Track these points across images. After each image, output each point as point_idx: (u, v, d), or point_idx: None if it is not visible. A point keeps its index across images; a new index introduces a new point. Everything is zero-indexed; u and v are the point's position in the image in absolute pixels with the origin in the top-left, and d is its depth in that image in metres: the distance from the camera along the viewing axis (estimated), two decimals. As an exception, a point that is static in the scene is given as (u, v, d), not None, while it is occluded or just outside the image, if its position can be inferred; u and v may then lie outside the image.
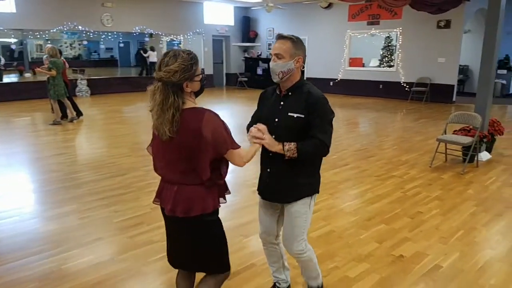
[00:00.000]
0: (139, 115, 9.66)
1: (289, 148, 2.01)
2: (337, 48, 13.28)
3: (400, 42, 12.08)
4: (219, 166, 1.88)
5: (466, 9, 10.76)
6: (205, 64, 15.47)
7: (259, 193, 2.32)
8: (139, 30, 13.62)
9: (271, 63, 2.11)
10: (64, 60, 8.54)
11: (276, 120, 2.11)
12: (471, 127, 5.49)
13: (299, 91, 2.13)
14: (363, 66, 13.39)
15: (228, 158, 1.88)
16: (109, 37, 13.57)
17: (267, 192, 2.26)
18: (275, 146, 2.03)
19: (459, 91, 12.48)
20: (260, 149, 2.11)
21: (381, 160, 5.72)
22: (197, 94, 1.90)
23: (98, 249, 3.20)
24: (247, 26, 16.37)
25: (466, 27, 11.78)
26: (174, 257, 2.05)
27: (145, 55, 14.96)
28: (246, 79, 15.95)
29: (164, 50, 15.24)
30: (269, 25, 15.76)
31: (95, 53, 17.72)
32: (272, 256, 2.49)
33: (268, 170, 2.20)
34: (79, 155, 6.21)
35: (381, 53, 12.93)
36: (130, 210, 3.97)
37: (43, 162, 5.63)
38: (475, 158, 5.40)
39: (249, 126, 2.18)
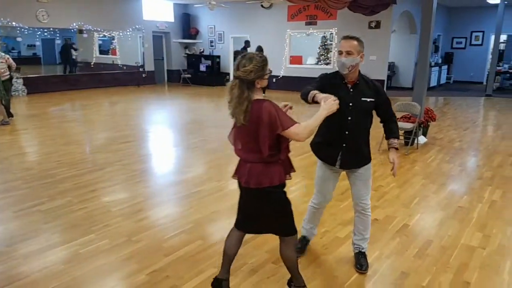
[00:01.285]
0: (88, 113, 9.54)
1: (396, 143, 2.77)
2: (278, 47, 14.01)
3: (336, 41, 13.10)
4: (279, 145, 2.29)
5: (393, 11, 12.00)
6: (146, 60, 15.42)
7: (330, 163, 2.81)
8: (76, 27, 13.24)
9: (342, 59, 2.56)
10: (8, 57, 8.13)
11: (350, 104, 2.61)
12: (410, 115, 6.41)
13: (363, 80, 2.69)
14: (303, 63, 14.27)
15: (286, 136, 2.26)
16: (32, 33, 12.67)
17: (345, 162, 2.77)
18: (392, 154, 2.75)
19: (387, 86, 13.82)
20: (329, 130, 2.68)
21: (337, 146, 6.45)
22: (264, 89, 2.32)
23: (110, 234, 3.45)
24: (187, 23, 16.52)
25: (393, 28, 13.09)
26: (245, 222, 2.49)
27: (75, 53, 14.09)
28: (189, 75, 16.13)
29: (96, 47, 15.28)
30: (210, 23, 16.07)
31: (14, 51, 16.30)
32: (317, 218, 3.12)
33: (344, 145, 2.71)
34: (47, 153, 6.15)
35: (318, 51, 13.89)
36: (125, 200, 4.21)
37: (11, 161, 5.55)
38: (416, 141, 6.32)
39: (309, 91, 2.55)
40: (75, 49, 14.14)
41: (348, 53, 2.57)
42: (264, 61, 2.22)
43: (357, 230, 2.97)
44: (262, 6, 13.81)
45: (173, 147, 6.48)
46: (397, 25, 13.57)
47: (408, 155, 5.93)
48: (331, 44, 13.43)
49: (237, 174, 2.43)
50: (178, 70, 16.39)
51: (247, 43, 12.87)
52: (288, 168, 2.44)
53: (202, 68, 16.13)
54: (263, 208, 2.38)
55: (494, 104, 11.29)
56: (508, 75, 14.35)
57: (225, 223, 3.69)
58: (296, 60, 14.15)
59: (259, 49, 12.25)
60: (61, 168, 5.19)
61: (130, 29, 14.69)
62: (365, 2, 10.11)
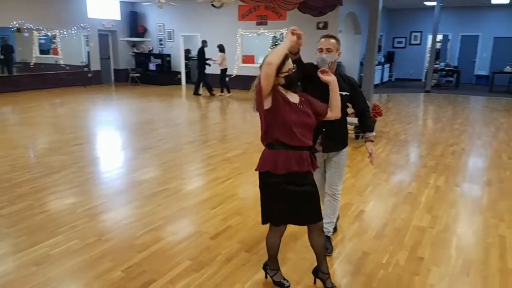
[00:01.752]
0: (34, 115, 9.12)
1: (372, 135, 3.02)
2: (231, 46, 14.10)
3: (286, 41, 13.43)
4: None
5: (340, 13, 12.53)
6: (91, 60, 14.94)
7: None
8: (17, 25, 12.57)
9: (323, 55, 2.78)
10: None
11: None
12: (360, 110, 6.81)
13: (340, 76, 2.91)
14: (255, 63, 14.50)
15: (262, 79, 2.28)
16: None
17: (326, 145, 2.95)
18: (369, 145, 2.98)
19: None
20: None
21: (294, 142, 6.71)
22: (285, 86, 2.40)
23: (79, 234, 3.43)
24: (134, 21, 16.18)
25: (339, 28, 13.66)
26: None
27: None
28: (138, 75, 15.82)
29: (37, 47, 14.54)
30: (159, 21, 15.86)
31: None
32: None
33: (324, 130, 2.88)
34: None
35: (269, 51, 14.16)
36: (88, 201, 4.17)
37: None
38: (365, 135, 6.73)
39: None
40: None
41: (328, 50, 2.81)
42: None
43: (326, 213, 3.16)
44: (213, 5, 13.85)
45: (129, 148, 6.42)
46: (343, 26, 14.17)
47: (359, 148, 6.31)
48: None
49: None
50: (126, 69, 16.02)
51: (204, 43, 12.84)
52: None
53: (152, 67, 15.87)
54: None
55: (432, 100, 12.17)
56: (444, 72, 15.48)
57: (194, 219, 3.79)
58: (248, 59, 14.35)
59: (221, 48, 12.32)
60: (15, 172, 5.00)
61: (75, 27, 14.16)
62: (314, 3, 10.50)
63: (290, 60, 2.41)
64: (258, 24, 13.77)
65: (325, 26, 12.63)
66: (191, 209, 4.00)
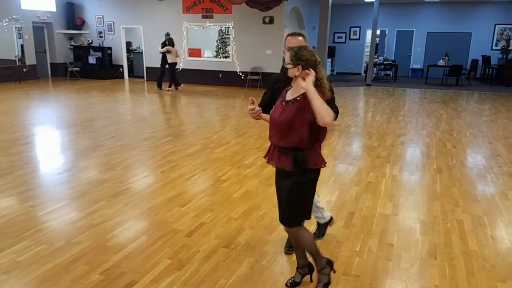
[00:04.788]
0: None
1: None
2: (176, 39, 13.79)
3: (233, 36, 13.44)
4: None
5: (285, 8, 12.75)
6: (26, 54, 13.93)
7: None
8: None
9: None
10: None
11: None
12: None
13: None
14: (202, 56, 14.34)
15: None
16: None
17: None
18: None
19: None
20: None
21: (253, 136, 6.77)
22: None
23: (46, 238, 3.24)
24: (71, 13, 15.31)
25: (284, 23, 13.90)
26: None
27: None
28: (77, 69, 15.02)
29: None
30: (98, 13, 15.13)
31: None
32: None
33: None
34: None
35: (216, 44, 14.10)
36: (50, 203, 3.94)
37: None
38: (320, 128, 6.96)
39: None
40: None
41: None
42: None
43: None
44: (157, -3, 13.49)
45: (83, 146, 6.09)
46: (287, 21, 14.43)
47: (317, 141, 6.52)
48: (229, 37, 13.74)
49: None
50: (64, 63, 15.13)
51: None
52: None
53: (92, 60, 15.14)
54: None
55: (374, 93, 12.81)
56: (382, 66, 16.33)
57: (165, 217, 3.72)
58: (195, 53, 14.16)
59: (170, 40, 12.04)
60: (-43, 175, 4.59)
61: (6, 19, 13.10)
62: (262, -3, 10.60)
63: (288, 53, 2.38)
64: (204, 17, 13.62)
65: (271, 21, 12.80)
66: (161, 207, 3.92)
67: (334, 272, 2.70)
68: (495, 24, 15.66)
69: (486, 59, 15.43)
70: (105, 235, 3.33)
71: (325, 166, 2.53)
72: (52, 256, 2.98)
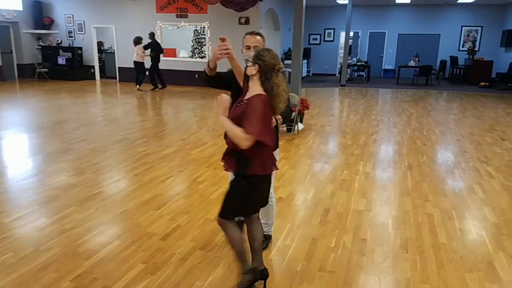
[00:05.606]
0: None
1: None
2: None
3: (209, 36, 13.34)
4: None
5: (260, 9, 12.76)
6: (-9, 54, 13.44)
7: None
8: None
9: (251, 53, 2.53)
10: None
11: None
12: (290, 104, 7.04)
13: None
14: (177, 56, 14.18)
15: None
16: None
17: None
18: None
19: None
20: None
21: (227, 136, 6.73)
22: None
23: (12, 246, 3.11)
24: (39, 12, 14.84)
25: (260, 24, 13.91)
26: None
27: None
28: (46, 70, 14.57)
29: None
30: (67, 11, 14.74)
31: None
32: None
33: None
34: None
35: (192, 44, 13.97)
36: (16, 209, 3.79)
37: None
38: (296, 128, 7.00)
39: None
40: None
41: (256, 48, 2.72)
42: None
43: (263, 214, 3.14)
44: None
45: (51, 150, 5.89)
46: (263, 22, 14.46)
47: (292, 140, 6.54)
48: (204, 37, 13.64)
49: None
50: (32, 64, 14.66)
51: (152, 35, 12.16)
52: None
53: (61, 61, 14.72)
54: None
55: (348, 93, 12.98)
56: (356, 67, 16.58)
57: (139, 221, 3.65)
58: (169, 53, 13.97)
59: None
60: None
61: (-31, 18, 12.60)
62: (236, -2, 10.56)
63: (247, 51, 2.39)
64: (178, 16, 13.48)
65: (247, 22, 12.79)
66: (134, 211, 3.84)
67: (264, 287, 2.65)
68: (462, 26, 16.16)
69: (454, 59, 15.90)
70: (75, 241, 3.23)
71: (265, 173, 2.41)
72: (19, 264, 2.87)
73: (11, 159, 5.47)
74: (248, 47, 2.75)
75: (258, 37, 2.80)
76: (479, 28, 15.94)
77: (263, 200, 2.59)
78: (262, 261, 2.67)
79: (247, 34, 2.83)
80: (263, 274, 2.63)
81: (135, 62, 12.28)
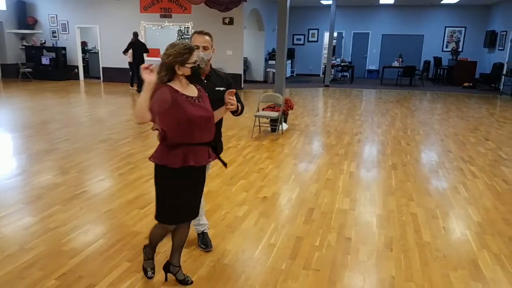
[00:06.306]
0: None
1: (236, 113, 2.76)
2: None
3: (194, 35, 13.31)
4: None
5: (244, 9, 12.80)
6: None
7: None
8: None
9: (201, 53, 2.68)
10: None
11: (207, 94, 2.77)
12: (274, 104, 7.11)
13: (214, 72, 2.89)
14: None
15: None
16: None
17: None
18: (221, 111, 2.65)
19: (244, 80, 14.69)
20: None
21: (213, 136, 6.74)
22: (189, 78, 2.36)
23: (3, 244, 3.10)
24: (23, 12, 14.63)
25: (244, 24, 13.95)
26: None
27: None
28: (30, 70, 14.36)
29: None
30: (51, 11, 14.57)
31: None
32: None
33: None
34: None
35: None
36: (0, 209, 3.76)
37: None
38: (280, 128, 7.05)
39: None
40: None
41: (205, 48, 2.74)
42: (186, 49, 2.28)
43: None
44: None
45: (35, 150, 5.83)
46: (247, 22, 14.50)
47: (277, 140, 6.60)
48: (188, 37, 13.60)
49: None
50: (16, 64, 14.43)
51: (135, 35, 12.05)
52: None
53: (45, 61, 14.54)
54: None
55: (332, 93, 13.11)
56: (340, 67, 16.75)
57: (124, 220, 3.65)
58: (153, 53, 13.87)
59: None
60: None
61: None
62: (221, -2, 10.59)
63: (196, 52, 2.38)
64: (162, 16, 13.44)
65: (231, 22, 12.82)
66: (119, 210, 3.84)
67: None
68: (445, 27, 16.48)
69: (438, 60, 16.19)
70: (60, 240, 3.22)
71: (160, 163, 2.53)
72: (4, 263, 2.85)
73: (1, 158, 5.41)
74: (197, 47, 2.66)
75: (207, 37, 2.77)
76: (463, 29, 16.27)
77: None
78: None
79: (195, 33, 2.79)
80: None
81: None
